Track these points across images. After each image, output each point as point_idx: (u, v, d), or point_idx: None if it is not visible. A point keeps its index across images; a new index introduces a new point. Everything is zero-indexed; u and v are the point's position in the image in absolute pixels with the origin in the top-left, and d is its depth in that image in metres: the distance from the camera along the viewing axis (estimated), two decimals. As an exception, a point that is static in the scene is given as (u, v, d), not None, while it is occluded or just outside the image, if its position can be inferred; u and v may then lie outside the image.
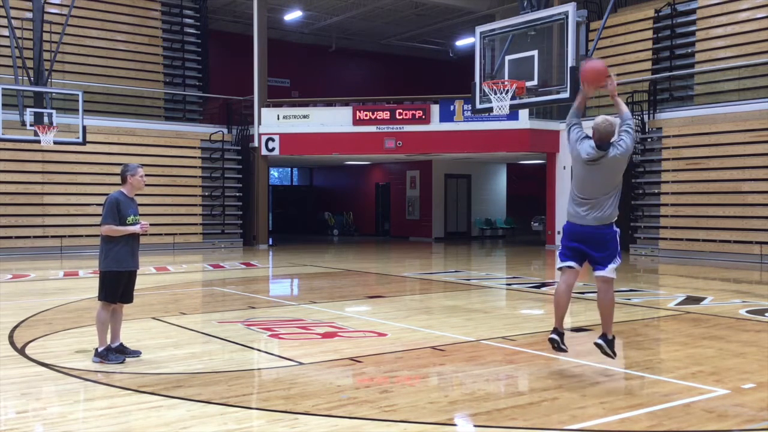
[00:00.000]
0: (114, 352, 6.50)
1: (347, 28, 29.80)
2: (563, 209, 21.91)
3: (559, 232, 21.57)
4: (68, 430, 4.64)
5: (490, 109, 8.99)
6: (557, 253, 6.48)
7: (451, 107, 21.25)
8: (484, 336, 7.74)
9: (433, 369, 6.32)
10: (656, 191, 19.09)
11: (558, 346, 6.11)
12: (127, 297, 6.66)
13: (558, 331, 6.14)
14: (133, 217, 6.54)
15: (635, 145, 19.14)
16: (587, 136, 6.06)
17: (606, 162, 5.87)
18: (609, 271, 5.94)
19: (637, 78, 20.70)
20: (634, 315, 9.28)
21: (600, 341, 6.03)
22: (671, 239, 18.42)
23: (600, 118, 5.95)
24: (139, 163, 6.78)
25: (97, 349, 6.50)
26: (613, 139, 5.91)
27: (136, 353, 6.66)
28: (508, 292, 12.25)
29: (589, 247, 5.98)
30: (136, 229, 6.50)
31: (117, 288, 6.52)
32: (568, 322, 8.74)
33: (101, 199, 22.54)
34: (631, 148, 5.93)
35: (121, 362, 6.38)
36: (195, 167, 21.90)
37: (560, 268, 6.17)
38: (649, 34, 21.26)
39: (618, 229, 6.02)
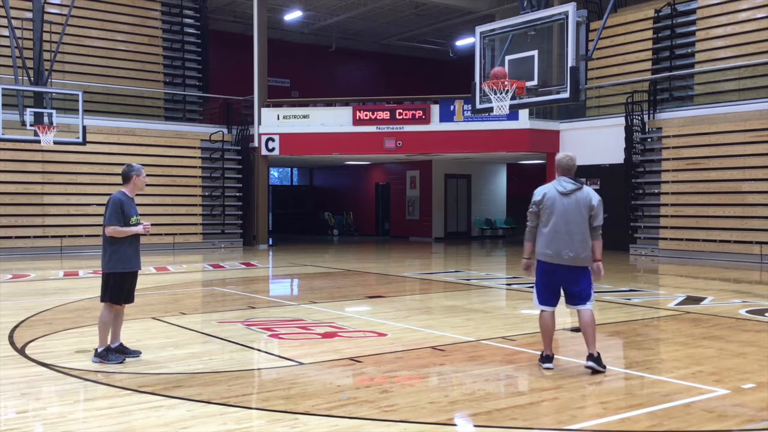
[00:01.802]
0: (114, 352, 6.50)
1: (347, 28, 29.81)
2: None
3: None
4: (68, 430, 4.64)
5: (490, 109, 9.00)
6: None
7: (451, 107, 21.25)
8: (484, 336, 7.74)
9: (433, 369, 6.32)
10: (656, 191, 19.08)
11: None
12: (129, 297, 6.68)
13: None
14: (135, 217, 6.56)
15: (635, 145, 19.28)
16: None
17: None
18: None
19: (637, 78, 20.71)
20: (634, 315, 9.28)
21: (590, 363, 6.08)
22: (671, 239, 18.42)
23: (561, 155, 6.48)
24: (140, 165, 6.82)
25: (96, 350, 6.49)
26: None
27: (136, 353, 6.66)
28: (508, 292, 12.25)
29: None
30: (139, 229, 6.53)
31: (122, 289, 6.53)
32: (567, 322, 8.75)
33: (101, 199, 22.51)
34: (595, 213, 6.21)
35: (121, 362, 6.38)
36: (195, 167, 21.89)
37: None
38: (649, 34, 21.27)
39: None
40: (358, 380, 5.88)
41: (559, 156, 6.44)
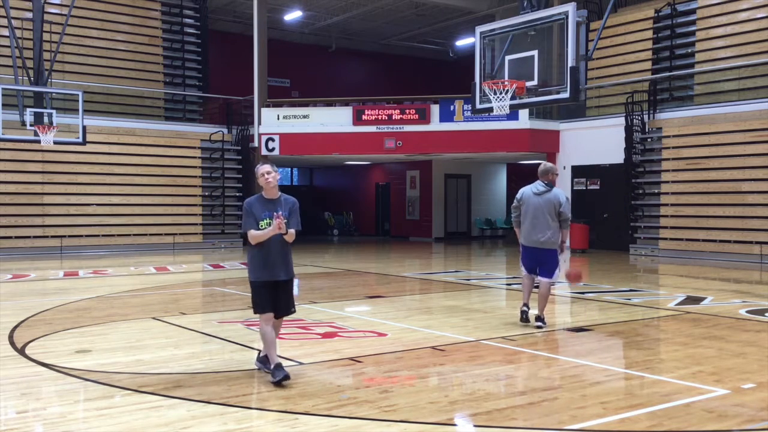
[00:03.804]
0: (278, 367, 5.78)
1: (347, 28, 29.81)
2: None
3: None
4: (68, 430, 4.64)
5: (490, 109, 9.00)
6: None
7: (451, 107, 21.25)
8: (484, 336, 7.74)
9: (433, 369, 6.32)
10: (656, 191, 19.08)
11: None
12: (279, 308, 5.96)
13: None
14: (266, 220, 5.78)
15: (635, 145, 19.28)
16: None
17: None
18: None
19: (637, 78, 20.71)
20: (634, 315, 9.28)
21: (538, 323, 8.12)
22: (671, 239, 18.42)
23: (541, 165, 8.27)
24: (262, 162, 5.97)
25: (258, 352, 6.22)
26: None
27: (273, 370, 5.76)
28: (508, 292, 12.25)
29: None
30: (267, 232, 5.70)
31: (259, 299, 5.95)
32: (568, 321, 8.76)
33: (101, 199, 22.59)
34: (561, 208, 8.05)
35: (282, 378, 5.66)
36: (195, 167, 21.89)
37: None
38: (649, 34, 21.27)
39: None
40: (358, 380, 5.88)
41: (540, 165, 8.27)
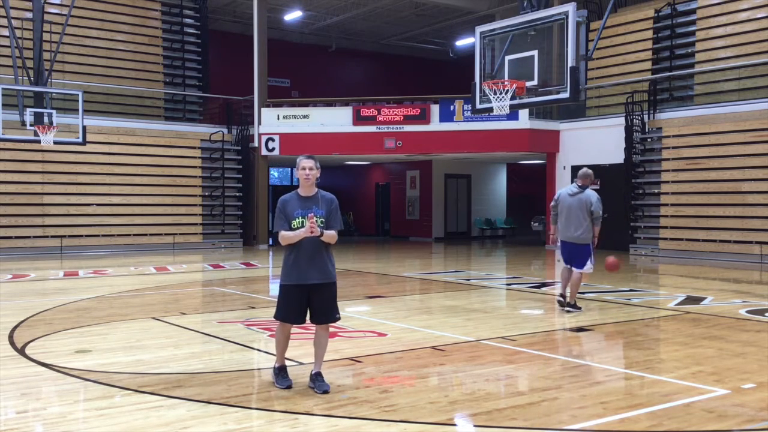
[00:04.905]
0: (283, 375, 5.62)
1: (347, 28, 29.81)
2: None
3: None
4: (68, 430, 4.64)
5: (490, 109, 9.00)
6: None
7: (451, 107, 21.26)
8: (484, 336, 7.74)
9: (433, 369, 6.32)
10: (656, 191, 19.08)
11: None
12: (314, 315, 5.51)
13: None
14: (299, 219, 5.38)
15: (635, 145, 19.28)
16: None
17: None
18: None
19: (637, 78, 20.71)
20: (634, 315, 9.28)
21: (568, 308, 9.34)
22: (671, 239, 18.42)
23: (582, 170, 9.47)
24: (306, 155, 5.57)
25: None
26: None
27: (321, 386, 5.44)
28: (508, 292, 12.25)
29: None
30: (297, 234, 5.33)
31: (282, 303, 5.52)
32: (567, 322, 8.76)
33: (101, 199, 22.56)
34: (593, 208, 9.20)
35: (284, 387, 5.50)
36: (195, 167, 21.89)
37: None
38: (649, 34, 21.27)
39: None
40: (358, 380, 5.88)
41: (581, 169, 9.52)
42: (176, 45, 23.86)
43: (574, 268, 9.30)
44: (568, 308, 9.33)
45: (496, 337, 7.67)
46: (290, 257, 5.46)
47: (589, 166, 20.86)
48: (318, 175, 5.51)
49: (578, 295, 9.80)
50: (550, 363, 6.55)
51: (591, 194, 9.20)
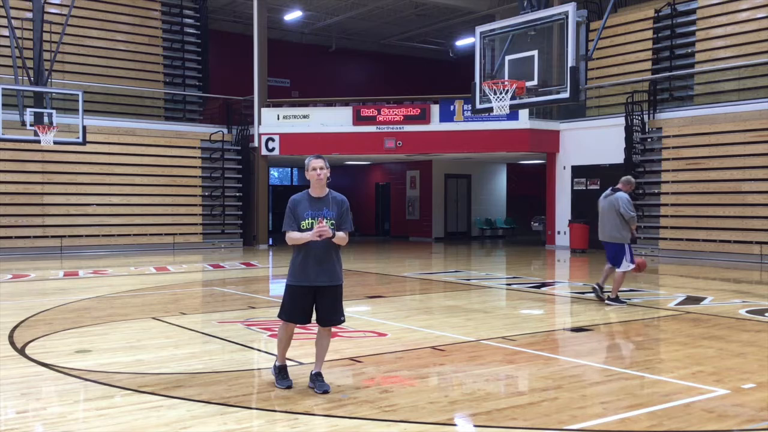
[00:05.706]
0: (284, 374, 5.63)
1: (347, 28, 29.80)
2: (563, 209, 21.97)
3: (558, 232, 21.60)
4: (68, 430, 4.64)
5: (490, 109, 9.00)
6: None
7: (451, 107, 21.26)
8: (484, 336, 7.74)
9: (433, 369, 6.32)
10: (656, 191, 19.08)
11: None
12: (320, 317, 5.49)
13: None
14: (308, 220, 5.35)
15: (635, 145, 19.28)
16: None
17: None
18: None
19: (637, 78, 20.71)
20: (634, 315, 9.28)
21: (607, 301, 9.93)
22: (671, 239, 18.42)
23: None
24: (316, 155, 5.53)
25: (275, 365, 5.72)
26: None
27: (322, 386, 5.46)
28: (508, 292, 12.25)
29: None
30: (304, 236, 5.30)
31: (287, 303, 5.50)
32: (567, 322, 8.75)
33: (101, 199, 22.54)
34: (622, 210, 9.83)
35: (285, 388, 5.50)
36: (195, 167, 21.89)
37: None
38: (649, 34, 21.27)
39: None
40: (358, 380, 5.88)
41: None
42: (176, 45, 23.87)
43: (613, 267, 10.00)
44: (608, 301, 9.84)
45: (496, 337, 7.67)
46: (298, 257, 5.43)
47: (589, 166, 20.81)
48: (329, 174, 5.46)
49: (578, 295, 9.81)
50: (550, 363, 6.55)
51: (620, 196, 9.86)
